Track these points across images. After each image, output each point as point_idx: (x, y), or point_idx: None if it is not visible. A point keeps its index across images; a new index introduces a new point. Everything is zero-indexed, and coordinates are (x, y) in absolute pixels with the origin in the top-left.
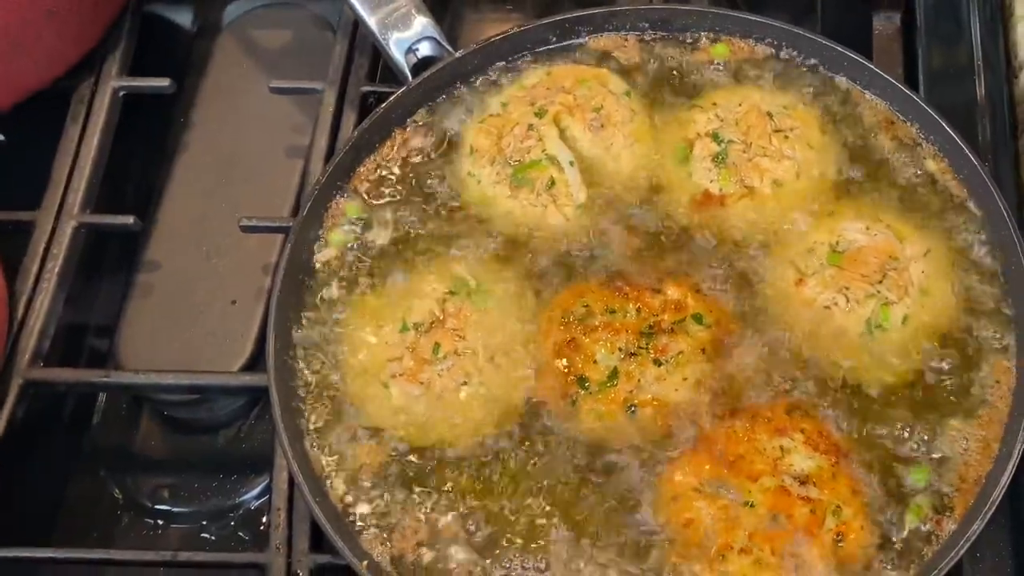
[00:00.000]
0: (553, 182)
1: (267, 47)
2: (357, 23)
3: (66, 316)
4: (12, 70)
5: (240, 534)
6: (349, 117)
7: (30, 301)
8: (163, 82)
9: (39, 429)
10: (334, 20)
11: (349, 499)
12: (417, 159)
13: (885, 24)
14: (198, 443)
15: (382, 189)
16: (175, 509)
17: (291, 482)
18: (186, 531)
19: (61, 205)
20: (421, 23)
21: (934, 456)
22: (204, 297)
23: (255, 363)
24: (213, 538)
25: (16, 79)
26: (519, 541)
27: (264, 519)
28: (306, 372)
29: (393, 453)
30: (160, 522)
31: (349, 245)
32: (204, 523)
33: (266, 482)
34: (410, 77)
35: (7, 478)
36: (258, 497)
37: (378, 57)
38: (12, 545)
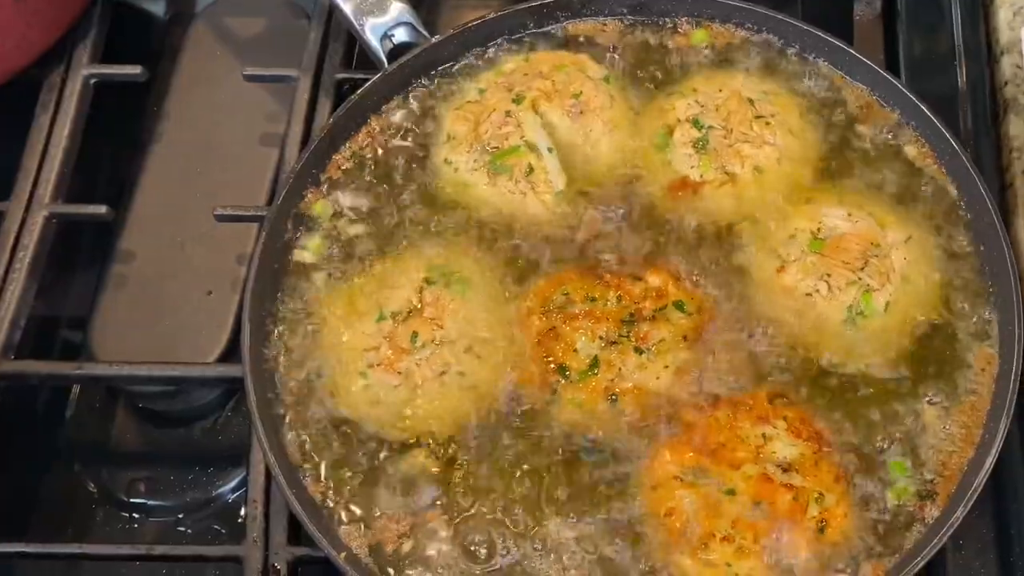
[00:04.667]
0: (532, 169)
1: (241, 34)
2: (332, 9)
3: (38, 308)
4: None
5: (217, 527)
6: (324, 105)
7: (0, 292)
8: (135, 70)
9: (12, 423)
10: (308, 6)
11: (327, 490)
12: (393, 146)
13: (866, 10)
14: (174, 435)
15: (358, 177)
16: (151, 502)
17: (268, 474)
18: (163, 525)
19: (32, 195)
20: (397, 8)
21: (917, 442)
22: (179, 288)
23: (231, 354)
24: (190, 531)
25: None
26: (499, 531)
27: (242, 512)
28: (282, 362)
29: (371, 443)
30: (136, 516)
31: (324, 233)
32: (181, 516)
33: (243, 474)
34: (386, 63)
35: None
36: (235, 490)
37: (353, 43)
38: None
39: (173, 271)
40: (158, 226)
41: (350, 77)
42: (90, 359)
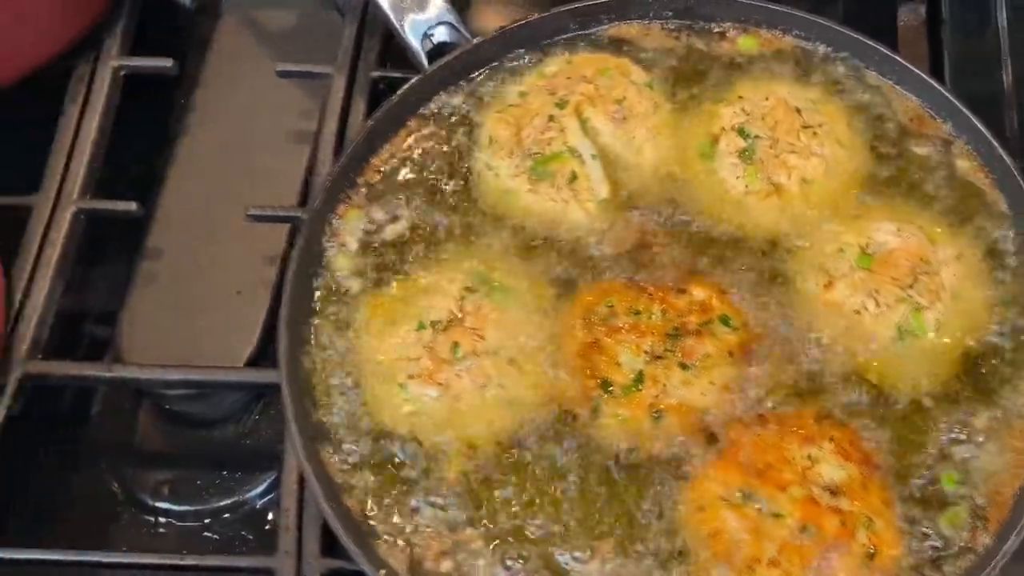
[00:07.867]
0: (575, 176)
1: (270, 27)
2: (366, 4)
3: (65, 304)
4: (14, 44)
5: (244, 533)
6: (358, 103)
7: (28, 289)
8: (165, 62)
9: (37, 422)
10: (340, 1)
11: (363, 503)
12: (432, 150)
13: (910, 15)
14: (200, 438)
15: (396, 181)
16: (176, 507)
17: (301, 483)
18: (188, 529)
19: (60, 189)
20: (437, 6)
21: (969, 467)
22: (208, 286)
23: (260, 356)
24: (216, 537)
25: (18, 53)
26: (540, 550)
27: (269, 518)
28: (318, 371)
29: (409, 455)
30: (161, 519)
31: (363, 239)
32: (207, 521)
33: (270, 480)
34: (426, 63)
35: (4, 474)
36: (262, 495)
37: (389, 41)
38: (10, 545)
39: (202, 269)
40: (187, 223)
41: (385, 75)
42: (117, 357)
